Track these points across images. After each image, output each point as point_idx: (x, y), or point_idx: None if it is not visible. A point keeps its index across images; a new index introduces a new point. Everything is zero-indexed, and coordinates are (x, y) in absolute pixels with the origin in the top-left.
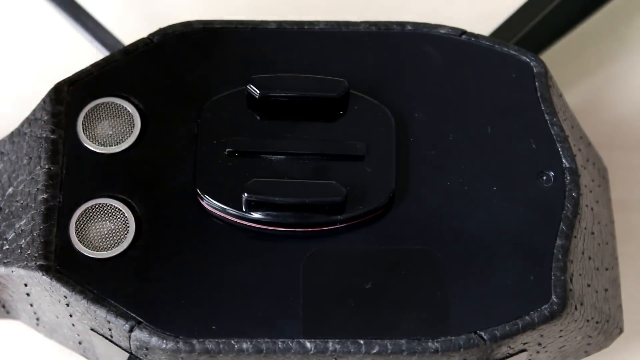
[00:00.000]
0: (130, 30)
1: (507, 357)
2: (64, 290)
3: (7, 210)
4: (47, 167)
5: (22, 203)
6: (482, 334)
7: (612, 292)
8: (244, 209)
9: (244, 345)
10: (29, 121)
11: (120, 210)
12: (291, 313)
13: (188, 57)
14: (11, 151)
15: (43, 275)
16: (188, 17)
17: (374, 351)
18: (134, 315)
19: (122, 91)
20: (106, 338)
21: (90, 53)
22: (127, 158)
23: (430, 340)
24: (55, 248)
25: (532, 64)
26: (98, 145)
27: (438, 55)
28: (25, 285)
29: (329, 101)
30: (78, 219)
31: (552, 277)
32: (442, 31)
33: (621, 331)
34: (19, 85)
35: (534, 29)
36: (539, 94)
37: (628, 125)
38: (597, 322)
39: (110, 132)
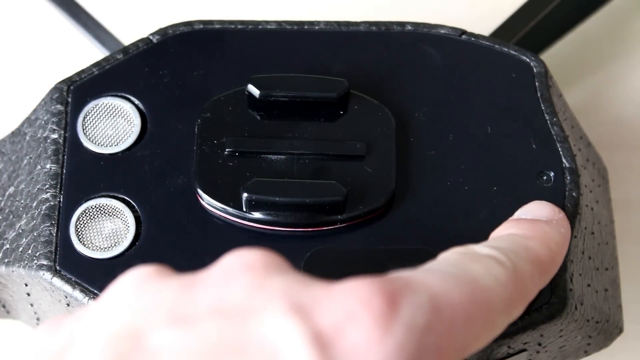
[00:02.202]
0: (130, 30)
1: (507, 356)
2: (64, 290)
3: (7, 210)
4: (47, 167)
5: (22, 203)
6: None
7: (612, 292)
8: (244, 209)
9: None
10: (29, 121)
11: (120, 210)
12: None
13: (188, 57)
14: (11, 151)
15: (43, 274)
16: (188, 17)
17: None
18: None
19: (122, 91)
20: None
21: (90, 53)
22: (127, 158)
23: None
24: (56, 248)
25: (532, 64)
26: (98, 145)
27: (438, 55)
28: (26, 285)
29: (329, 101)
30: (78, 219)
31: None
32: (442, 31)
33: (621, 331)
34: (19, 85)
35: (534, 29)
36: (539, 94)
37: (628, 125)
38: (597, 322)
39: (110, 132)
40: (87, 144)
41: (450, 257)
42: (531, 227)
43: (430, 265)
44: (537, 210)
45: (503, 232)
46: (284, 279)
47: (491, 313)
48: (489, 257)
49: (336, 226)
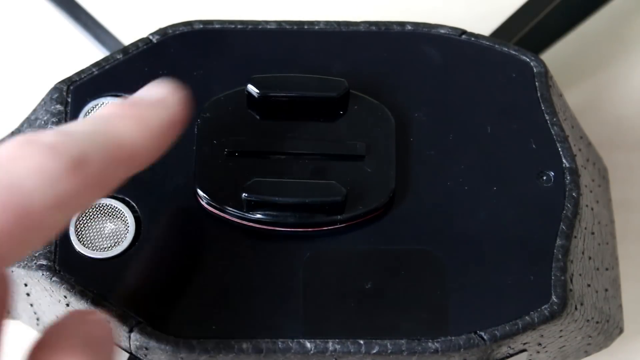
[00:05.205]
0: (130, 30)
1: (507, 357)
2: (64, 290)
3: None
4: None
5: None
6: (482, 334)
7: (612, 292)
8: (243, 209)
9: (244, 345)
10: (29, 121)
11: (120, 210)
12: (291, 313)
13: (188, 57)
14: None
15: (43, 275)
16: (188, 17)
17: (374, 351)
18: (133, 315)
19: (121, 91)
20: None
21: (90, 53)
22: None
23: (430, 340)
24: (55, 248)
25: (532, 63)
26: None
27: (438, 55)
28: (26, 285)
29: (329, 101)
30: (78, 219)
31: (552, 277)
32: (442, 31)
33: (621, 331)
34: (19, 85)
35: (534, 29)
36: (539, 94)
37: (628, 125)
38: (597, 322)
39: None
40: None
41: (4, 154)
42: (126, 108)
43: None
44: (147, 90)
45: (103, 110)
46: None
47: (34, 216)
48: (46, 148)
49: (336, 226)
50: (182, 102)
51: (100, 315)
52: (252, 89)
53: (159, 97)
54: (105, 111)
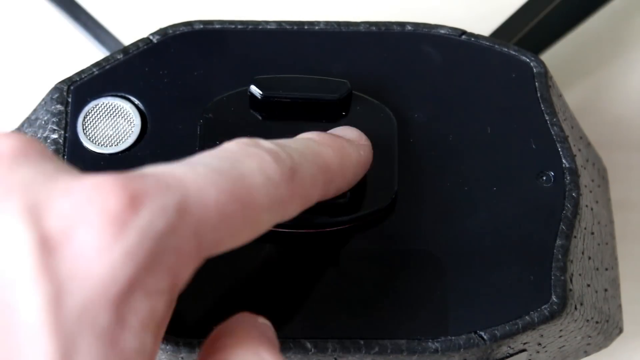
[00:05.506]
0: (130, 30)
1: (507, 357)
2: None
3: None
4: None
5: None
6: (482, 334)
7: (612, 292)
8: None
9: None
10: (29, 121)
11: None
12: (291, 313)
13: (188, 57)
14: None
15: None
16: (188, 17)
17: (374, 351)
18: None
19: (122, 91)
20: None
21: (90, 53)
22: (127, 158)
23: (430, 340)
24: None
25: (532, 64)
26: (98, 145)
27: (438, 55)
28: None
29: (331, 102)
30: None
31: (552, 277)
32: (442, 31)
33: (621, 331)
34: (19, 85)
35: (534, 29)
36: (539, 94)
37: (628, 125)
38: (596, 322)
39: (110, 132)
40: (87, 144)
41: (229, 149)
42: (330, 138)
43: (201, 157)
44: (342, 130)
45: (306, 133)
46: (30, 171)
47: (253, 211)
48: (269, 152)
49: (338, 227)
50: (371, 149)
51: (267, 321)
52: (255, 89)
53: (354, 139)
54: (308, 135)
